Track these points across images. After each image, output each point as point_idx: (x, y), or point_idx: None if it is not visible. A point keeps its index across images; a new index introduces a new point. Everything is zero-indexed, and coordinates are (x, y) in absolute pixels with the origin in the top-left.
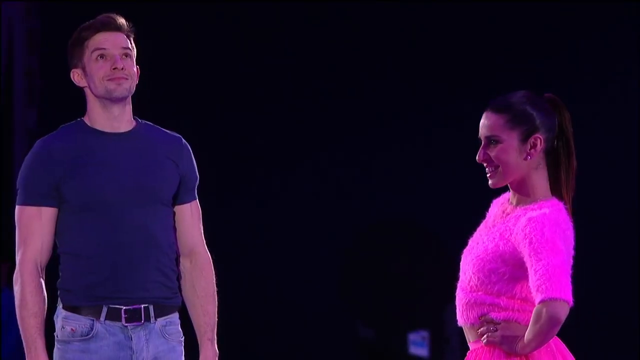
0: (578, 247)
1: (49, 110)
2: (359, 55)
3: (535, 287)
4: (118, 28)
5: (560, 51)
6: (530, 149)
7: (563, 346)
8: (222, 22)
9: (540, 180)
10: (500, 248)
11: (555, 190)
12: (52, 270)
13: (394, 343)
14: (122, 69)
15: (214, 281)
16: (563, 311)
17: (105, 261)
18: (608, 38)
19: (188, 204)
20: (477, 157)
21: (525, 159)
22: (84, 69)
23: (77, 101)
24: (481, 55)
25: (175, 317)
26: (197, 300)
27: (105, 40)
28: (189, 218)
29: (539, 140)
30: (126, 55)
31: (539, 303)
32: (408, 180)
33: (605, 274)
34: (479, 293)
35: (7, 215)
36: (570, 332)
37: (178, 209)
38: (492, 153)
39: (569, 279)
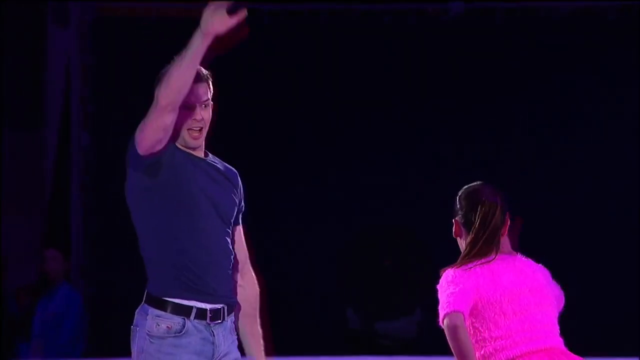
0: (580, 248)
1: (100, 133)
2: (358, 70)
3: None
4: (201, 79)
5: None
6: None
7: None
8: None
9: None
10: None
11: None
12: (143, 270)
13: (381, 329)
14: (201, 119)
15: (258, 302)
16: None
17: (196, 268)
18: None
19: (239, 226)
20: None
21: None
22: None
23: (124, 125)
24: (479, 75)
25: (232, 315)
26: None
27: (190, 93)
28: (239, 237)
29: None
30: (206, 105)
31: None
32: (394, 189)
33: (605, 274)
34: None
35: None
36: (570, 332)
37: (233, 229)
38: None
39: None
